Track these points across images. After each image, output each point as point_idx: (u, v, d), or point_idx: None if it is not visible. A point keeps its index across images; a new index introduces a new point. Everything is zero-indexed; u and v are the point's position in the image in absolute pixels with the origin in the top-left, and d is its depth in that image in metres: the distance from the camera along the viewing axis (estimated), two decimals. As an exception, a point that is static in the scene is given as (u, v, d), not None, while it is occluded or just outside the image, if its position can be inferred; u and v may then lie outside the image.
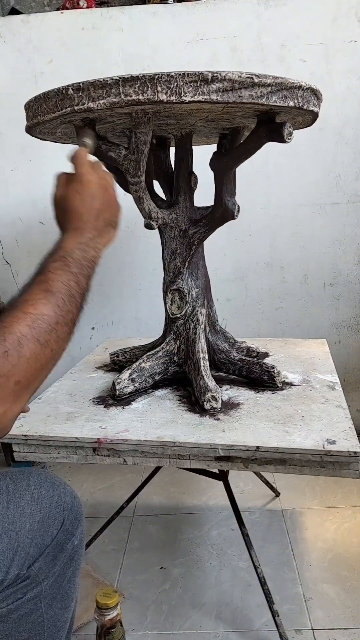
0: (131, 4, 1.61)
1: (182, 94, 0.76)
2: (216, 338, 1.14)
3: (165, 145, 1.15)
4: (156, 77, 0.76)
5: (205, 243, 1.12)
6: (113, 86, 0.77)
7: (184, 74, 0.76)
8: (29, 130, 0.94)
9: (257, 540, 1.27)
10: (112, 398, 1.04)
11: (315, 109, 0.91)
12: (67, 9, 1.60)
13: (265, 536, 1.31)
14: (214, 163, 1.06)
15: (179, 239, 1.08)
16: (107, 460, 0.90)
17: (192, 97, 0.77)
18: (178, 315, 1.09)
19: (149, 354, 1.09)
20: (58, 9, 1.66)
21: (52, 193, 0.72)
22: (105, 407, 1.01)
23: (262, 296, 1.74)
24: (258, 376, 1.06)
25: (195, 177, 1.11)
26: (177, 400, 1.02)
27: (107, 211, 0.71)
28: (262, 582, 0.98)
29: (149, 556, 1.27)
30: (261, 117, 0.91)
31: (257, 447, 0.82)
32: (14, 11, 1.71)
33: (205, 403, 0.96)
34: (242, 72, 0.78)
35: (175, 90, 0.76)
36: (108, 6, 1.65)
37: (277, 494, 1.48)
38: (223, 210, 1.04)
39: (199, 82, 0.77)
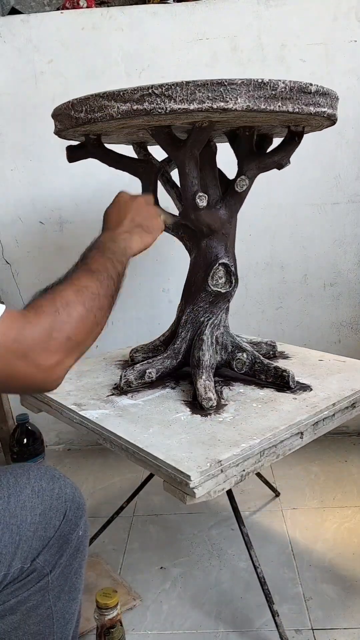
0: (131, 4, 1.61)
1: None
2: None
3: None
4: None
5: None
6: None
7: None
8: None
9: (257, 540, 1.27)
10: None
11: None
12: (67, 8, 1.60)
13: (265, 536, 1.31)
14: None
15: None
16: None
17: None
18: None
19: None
20: (58, 9, 1.66)
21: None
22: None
23: (262, 296, 1.74)
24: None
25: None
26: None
27: (138, 218, 0.87)
28: (262, 582, 0.98)
29: (149, 556, 1.27)
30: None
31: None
32: (14, 11, 1.71)
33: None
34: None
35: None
36: (108, 6, 1.65)
37: (277, 494, 1.48)
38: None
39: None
